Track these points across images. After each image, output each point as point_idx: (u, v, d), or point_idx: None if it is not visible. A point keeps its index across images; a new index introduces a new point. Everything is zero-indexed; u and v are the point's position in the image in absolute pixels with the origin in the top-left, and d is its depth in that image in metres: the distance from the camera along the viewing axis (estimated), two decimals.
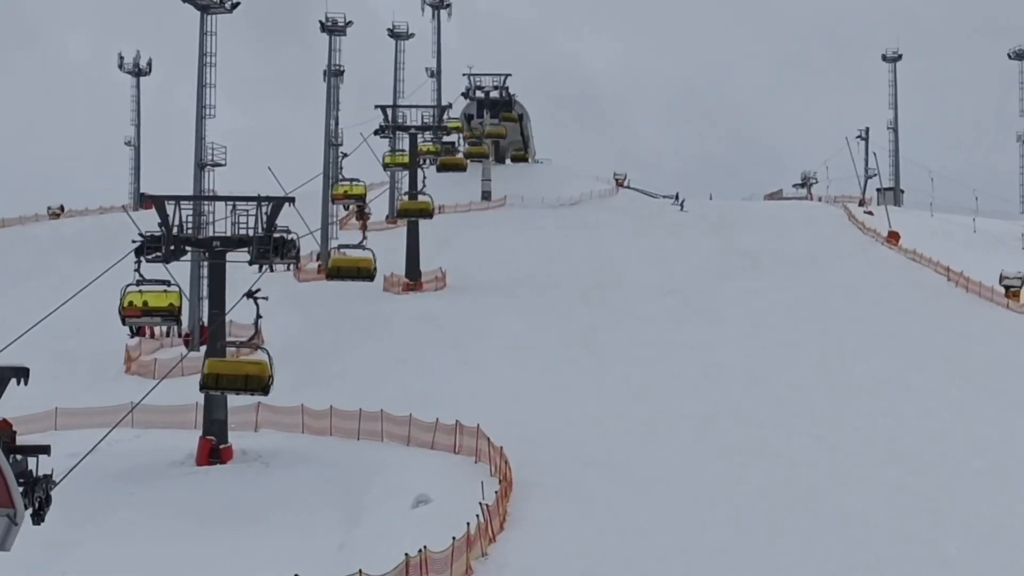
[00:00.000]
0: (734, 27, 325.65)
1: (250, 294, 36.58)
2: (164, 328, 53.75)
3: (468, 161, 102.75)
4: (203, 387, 36.14)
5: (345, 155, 79.72)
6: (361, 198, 78.69)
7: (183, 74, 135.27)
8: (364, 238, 56.53)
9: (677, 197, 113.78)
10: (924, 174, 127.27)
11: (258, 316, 36.09)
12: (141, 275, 40.82)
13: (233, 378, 36.41)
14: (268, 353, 36.44)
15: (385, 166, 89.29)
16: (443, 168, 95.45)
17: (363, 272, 55.95)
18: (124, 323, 42.33)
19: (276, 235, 42.92)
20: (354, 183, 76.98)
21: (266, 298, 37.46)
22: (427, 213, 78.10)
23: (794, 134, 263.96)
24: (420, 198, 78.32)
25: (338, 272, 56.56)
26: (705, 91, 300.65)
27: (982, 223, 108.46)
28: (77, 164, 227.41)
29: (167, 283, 41.17)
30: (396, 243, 79.56)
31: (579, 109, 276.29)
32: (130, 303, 41.26)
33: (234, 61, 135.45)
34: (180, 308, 41.48)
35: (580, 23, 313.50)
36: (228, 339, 36.40)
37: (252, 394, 37.02)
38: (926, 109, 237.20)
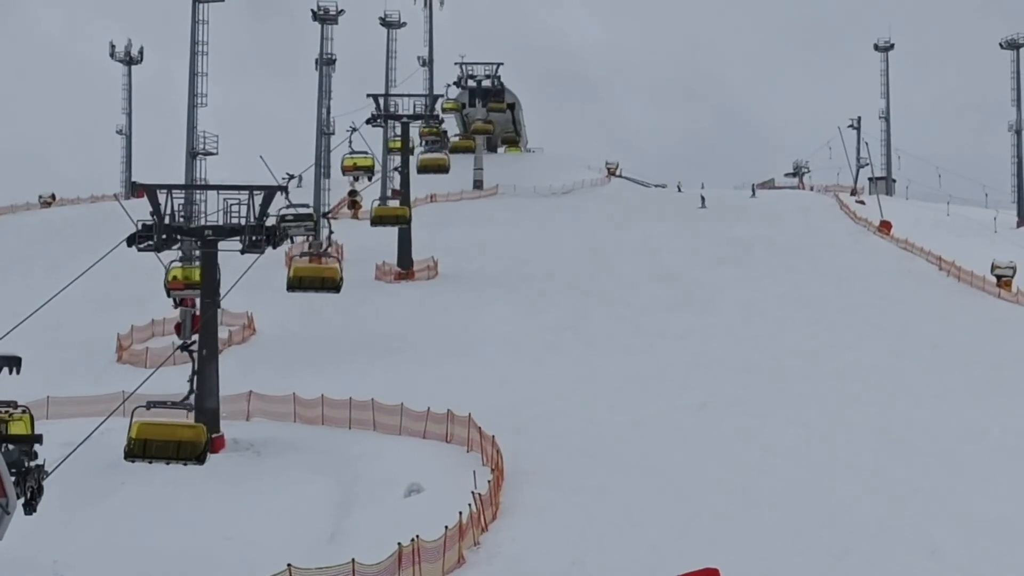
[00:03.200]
0: (725, 10, 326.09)
1: (184, 347, 32.23)
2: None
3: (449, 160, 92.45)
4: (128, 455, 30.41)
5: (355, 128, 79.34)
6: (370, 170, 79.81)
7: (175, 60, 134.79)
8: (330, 244, 52.20)
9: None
10: (914, 163, 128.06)
11: (194, 372, 31.40)
12: (184, 251, 45.76)
13: (164, 445, 31.18)
14: None
15: (389, 150, 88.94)
16: (424, 170, 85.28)
17: (328, 283, 49.54)
18: (169, 295, 48.61)
19: (295, 209, 45.32)
20: (363, 155, 78.02)
21: (203, 352, 32.21)
22: (403, 220, 74.95)
23: (786, 122, 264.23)
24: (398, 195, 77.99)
25: (300, 283, 49.64)
26: (695, 76, 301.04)
27: (973, 212, 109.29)
28: (68, 152, 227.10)
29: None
30: (388, 232, 79.46)
31: (569, 91, 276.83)
32: (174, 277, 47.97)
33: (226, 46, 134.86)
34: (219, 280, 45.25)
35: (571, 3, 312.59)
36: (157, 400, 30.72)
37: (185, 464, 31.14)
38: (921, 97, 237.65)
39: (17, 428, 29.79)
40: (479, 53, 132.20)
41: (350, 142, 78.18)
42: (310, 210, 46.60)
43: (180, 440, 30.73)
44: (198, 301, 59.19)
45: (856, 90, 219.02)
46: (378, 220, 73.85)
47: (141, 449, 30.25)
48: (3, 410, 28.66)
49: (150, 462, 30.74)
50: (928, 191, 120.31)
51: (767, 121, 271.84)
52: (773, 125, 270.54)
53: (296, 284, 49.40)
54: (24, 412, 29.66)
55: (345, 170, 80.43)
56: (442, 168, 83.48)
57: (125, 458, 30.23)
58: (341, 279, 49.29)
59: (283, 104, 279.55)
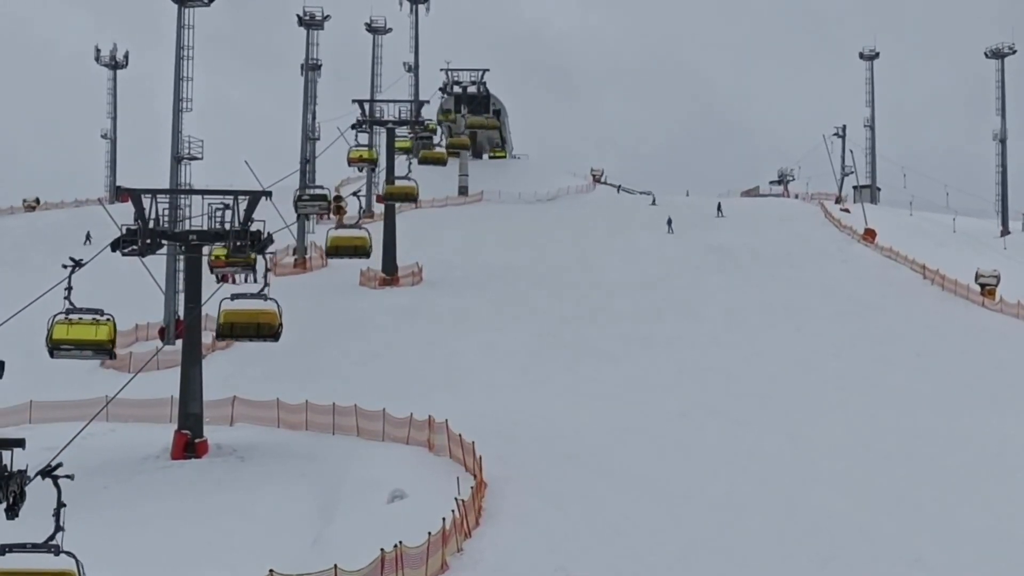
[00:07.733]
0: (713, 12, 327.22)
1: (46, 472, 23.27)
2: (243, 276, 57.38)
3: (418, 189, 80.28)
4: None
5: (353, 126, 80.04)
6: (374, 162, 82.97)
7: (159, 59, 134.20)
8: (267, 284, 44.13)
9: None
10: (899, 172, 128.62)
11: (60, 504, 22.84)
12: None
13: None
14: (76, 558, 22.29)
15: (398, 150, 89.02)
16: (390, 198, 78.91)
17: (264, 329, 42.27)
18: (212, 271, 51.81)
19: (316, 191, 46.45)
20: (367, 148, 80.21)
21: (70, 477, 23.80)
22: (363, 252, 63.50)
23: (775, 128, 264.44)
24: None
25: (231, 329, 42.47)
26: (683, 79, 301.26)
27: (959, 221, 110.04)
28: (52, 156, 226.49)
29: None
30: (373, 237, 79.38)
31: (555, 90, 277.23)
32: (216, 256, 51.73)
33: (210, 45, 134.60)
34: (256, 260, 45.88)
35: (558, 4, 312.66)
36: (15, 543, 21.49)
37: None
38: (906, 105, 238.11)
39: (102, 333, 31.16)
40: (463, 53, 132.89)
41: (356, 136, 79.79)
42: (325, 191, 47.36)
43: None
44: (238, 277, 61.07)
45: (846, 96, 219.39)
46: (334, 251, 63.82)
47: None
48: (90, 316, 30.19)
49: None
50: (925, 202, 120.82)
51: (755, 127, 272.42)
52: (762, 131, 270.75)
53: (227, 331, 42.61)
54: (108, 319, 30.54)
55: (351, 162, 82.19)
56: (411, 197, 77.89)
57: None
58: (280, 325, 42.35)
59: (268, 106, 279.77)
